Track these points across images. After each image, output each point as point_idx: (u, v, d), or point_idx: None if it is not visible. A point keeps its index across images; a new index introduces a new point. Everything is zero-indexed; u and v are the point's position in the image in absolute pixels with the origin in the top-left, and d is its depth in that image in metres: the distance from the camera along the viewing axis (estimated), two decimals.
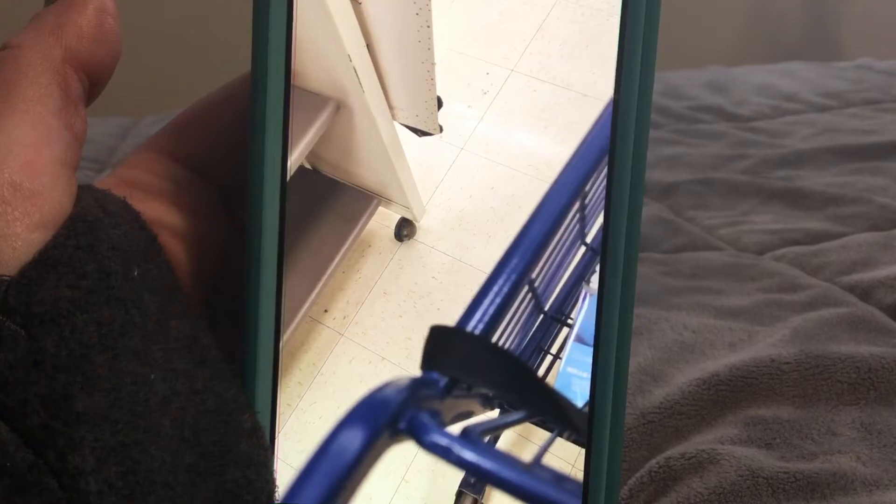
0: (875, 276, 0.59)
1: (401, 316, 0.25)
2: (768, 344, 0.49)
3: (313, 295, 0.25)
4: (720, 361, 0.47)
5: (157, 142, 0.26)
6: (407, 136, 0.25)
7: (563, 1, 0.24)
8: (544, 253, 0.25)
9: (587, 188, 0.25)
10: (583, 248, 0.25)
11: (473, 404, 0.25)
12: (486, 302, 0.25)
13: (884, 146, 0.90)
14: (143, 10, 1.51)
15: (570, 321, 0.25)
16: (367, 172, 0.25)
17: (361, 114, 0.24)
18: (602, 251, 0.24)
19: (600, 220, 0.24)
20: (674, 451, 0.40)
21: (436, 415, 0.25)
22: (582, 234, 0.25)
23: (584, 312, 0.25)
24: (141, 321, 0.21)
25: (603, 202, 0.24)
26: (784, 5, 1.96)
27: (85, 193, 0.23)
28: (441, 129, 0.24)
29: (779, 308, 0.55)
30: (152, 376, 0.21)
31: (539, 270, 0.25)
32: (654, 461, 0.40)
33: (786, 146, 0.93)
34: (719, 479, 0.38)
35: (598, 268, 0.24)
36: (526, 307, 0.25)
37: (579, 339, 0.25)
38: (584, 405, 0.24)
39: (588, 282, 0.25)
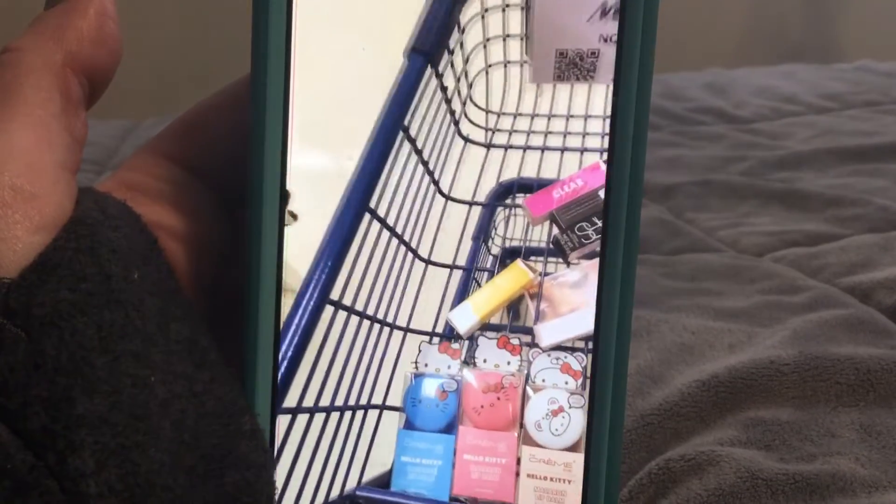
0: (874, 278, 0.59)
1: None
2: (768, 345, 0.49)
3: None
4: (719, 363, 0.47)
5: (158, 144, 0.26)
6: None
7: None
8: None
9: (387, 203, 0.25)
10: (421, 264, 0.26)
11: None
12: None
13: (883, 148, 0.89)
14: (144, 12, 1.51)
15: (384, 407, 0.26)
16: None
17: None
18: (601, 253, 0.24)
19: (430, 235, 0.25)
20: (673, 452, 0.40)
21: None
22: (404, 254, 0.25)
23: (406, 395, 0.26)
24: (141, 324, 0.21)
25: (424, 213, 0.25)
26: (784, 7, 1.96)
27: (85, 196, 0.23)
28: (296, 217, 0.25)
29: (778, 310, 0.55)
30: (152, 379, 0.21)
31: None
32: (653, 463, 0.40)
33: (785, 148, 0.93)
34: (718, 480, 0.38)
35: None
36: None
37: (407, 425, 0.26)
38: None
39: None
